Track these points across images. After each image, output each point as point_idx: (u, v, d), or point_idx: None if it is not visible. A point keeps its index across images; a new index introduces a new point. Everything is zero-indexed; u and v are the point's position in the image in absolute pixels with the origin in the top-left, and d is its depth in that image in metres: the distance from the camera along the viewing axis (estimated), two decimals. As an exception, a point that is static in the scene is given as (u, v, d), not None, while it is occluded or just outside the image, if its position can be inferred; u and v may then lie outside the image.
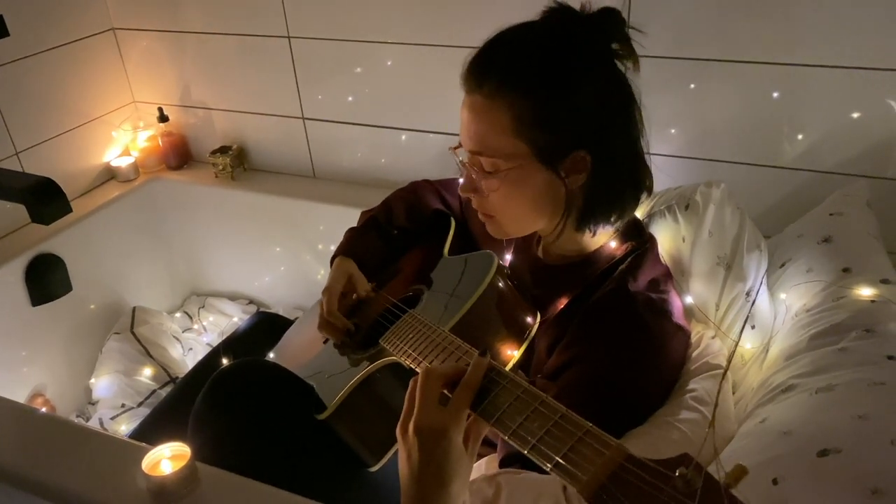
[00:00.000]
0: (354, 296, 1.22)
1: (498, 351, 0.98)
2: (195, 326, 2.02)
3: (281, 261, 2.03)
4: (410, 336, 0.95)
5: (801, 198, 1.41)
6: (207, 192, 2.01)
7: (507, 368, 0.96)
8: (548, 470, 0.57)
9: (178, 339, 1.90)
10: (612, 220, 1.00)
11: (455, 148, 1.02)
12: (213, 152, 1.99)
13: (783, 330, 1.05)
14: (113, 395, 1.70)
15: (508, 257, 1.16)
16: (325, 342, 1.20)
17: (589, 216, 0.98)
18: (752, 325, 1.09)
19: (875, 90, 1.31)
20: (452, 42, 1.63)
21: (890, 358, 0.84)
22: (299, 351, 1.27)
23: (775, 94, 1.39)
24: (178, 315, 2.05)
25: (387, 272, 1.28)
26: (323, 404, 1.04)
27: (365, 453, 1.04)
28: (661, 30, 1.41)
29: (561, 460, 0.57)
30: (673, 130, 1.51)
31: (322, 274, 1.97)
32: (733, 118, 1.45)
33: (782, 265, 1.16)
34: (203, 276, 2.16)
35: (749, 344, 1.08)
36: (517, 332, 1.00)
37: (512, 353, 0.98)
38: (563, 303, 1.03)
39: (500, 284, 1.02)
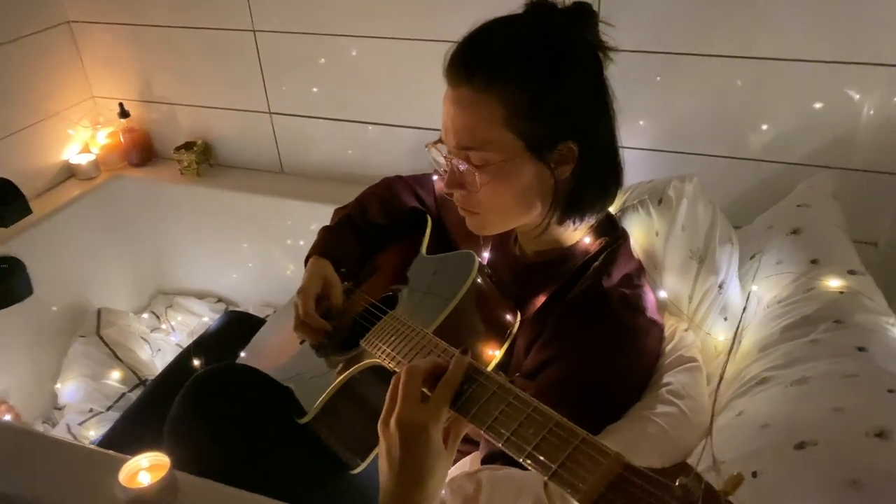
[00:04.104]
0: (330, 296, 1.20)
1: (481, 351, 0.98)
2: (163, 326, 1.98)
3: (249, 258, 2.00)
4: (392, 338, 0.95)
5: (768, 189, 1.44)
6: (172, 189, 1.97)
7: (490, 367, 0.97)
8: (546, 480, 0.57)
9: (146, 340, 1.86)
10: (597, 210, 1.01)
11: (434, 143, 1.00)
12: (178, 148, 1.95)
13: (755, 321, 1.07)
14: (80, 399, 1.66)
15: (486, 255, 1.16)
16: (301, 343, 1.19)
17: (575, 208, 0.99)
18: (724, 316, 1.11)
19: (837, 83, 1.35)
20: (421, 36, 1.62)
21: (860, 349, 0.86)
22: (274, 352, 1.25)
23: (742, 87, 1.41)
24: (145, 316, 2.01)
25: (363, 271, 1.27)
26: (303, 408, 1.03)
27: (347, 455, 1.03)
28: (629, 24, 1.42)
29: (559, 469, 0.57)
30: (641, 122, 1.53)
31: (291, 270, 1.95)
32: (701, 111, 1.47)
33: (752, 256, 1.19)
34: (169, 274, 2.11)
35: (722, 336, 1.10)
36: (499, 332, 1.00)
37: (494, 353, 0.98)
38: (541, 300, 1.04)
39: (482, 285, 1.02)
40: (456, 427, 0.76)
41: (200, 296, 2.08)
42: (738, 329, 0.95)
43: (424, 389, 0.75)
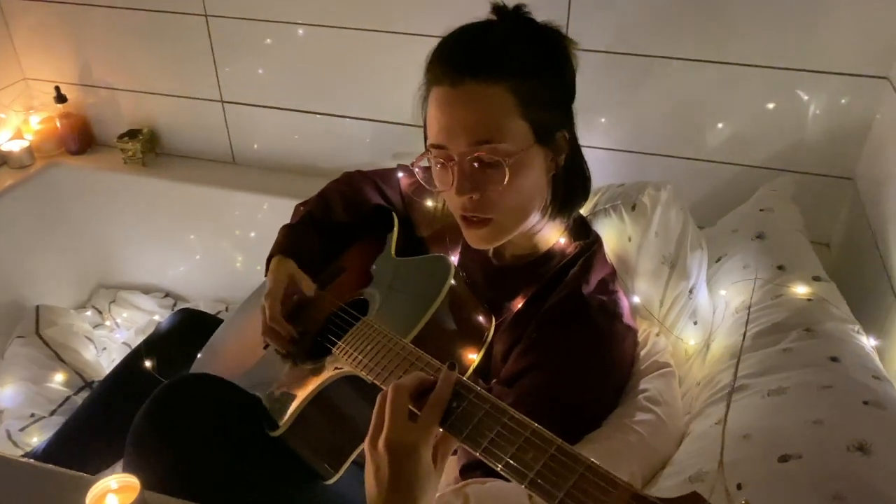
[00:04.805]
0: (296, 298, 1.15)
1: (458, 358, 0.96)
2: (107, 323, 1.89)
3: (196, 250, 1.93)
4: (367, 346, 0.92)
5: (727, 190, 1.47)
6: (115, 178, 1.87)
7: (468, 374, 0.96)
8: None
9: (90, 339, 1.76)
10: (580, 206, 1.04)
11: (424, 155, 0.97)
12: (121, 136, 1.85)
13: (723, 326, 1.09)
14: (20, 404, 1.56)
15: (455, 258, 1.13)
16: (265, 347, 1.15)
17: (566, 202, 1.00)
18: (693, 320, 1.13)
19: (792, 90, 1.38)
20: (379, 27, 1.58)
21: (832, 359, 0.89)
22: (235, 356, 1.21)
23: (703, 91, 1.43)
24: (88, 312, 1.91)
25: (328, 272, 1.23)
26: (273, 419, 0.99)
27: (321, 466, 1.00)
28: (596, 25, 1.42)
29: (565, 498, 0.56)
30: (603, 120, 1.53)
31: (241, 262, 1.89)
32: (663, 113, 1.48)
33: (718, 260, 1.21)
34: (111, 267, 2.02)
35: (693, 340, 1.12)
36: (475, 338, 0.99)
37: (472, 358, 0.97)
38: (518, 304, 1.03)
39: (458, 291, 1.01)
40: (444, 445, 0.74)
41: (146, 290, 1.99)
42: (743, 336, 0.97)
43: (411, 407, 0.73)
